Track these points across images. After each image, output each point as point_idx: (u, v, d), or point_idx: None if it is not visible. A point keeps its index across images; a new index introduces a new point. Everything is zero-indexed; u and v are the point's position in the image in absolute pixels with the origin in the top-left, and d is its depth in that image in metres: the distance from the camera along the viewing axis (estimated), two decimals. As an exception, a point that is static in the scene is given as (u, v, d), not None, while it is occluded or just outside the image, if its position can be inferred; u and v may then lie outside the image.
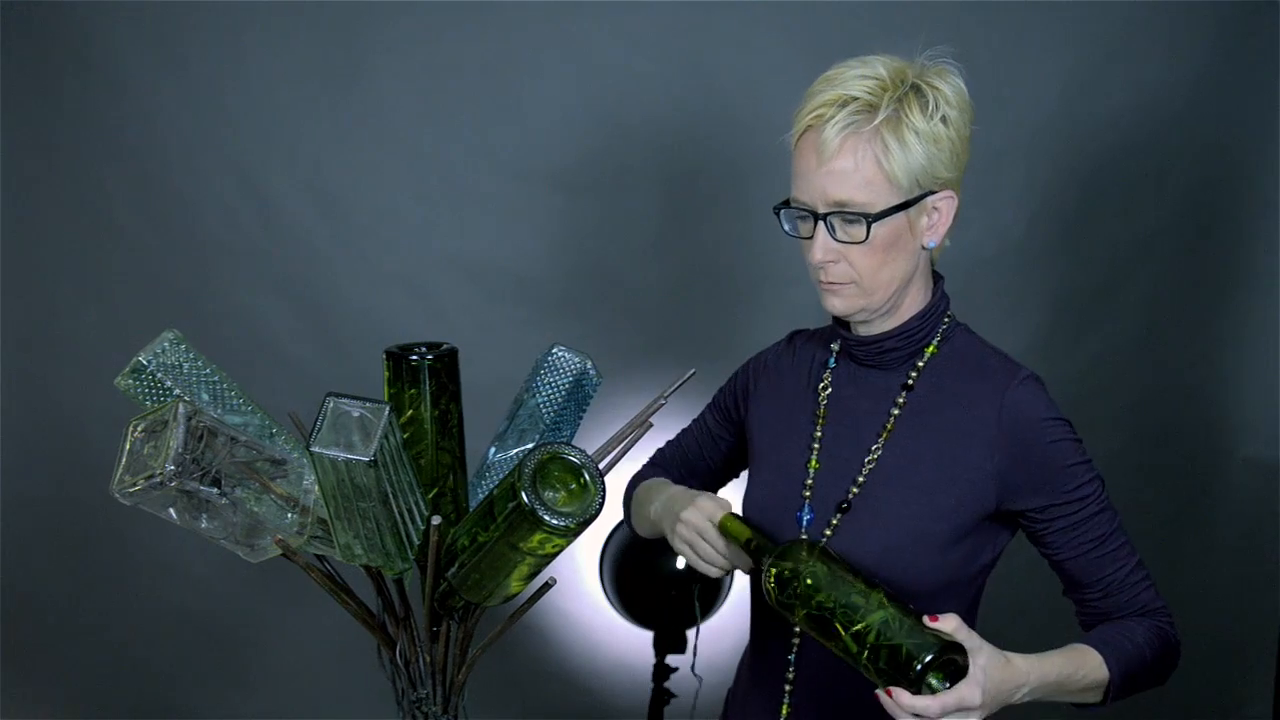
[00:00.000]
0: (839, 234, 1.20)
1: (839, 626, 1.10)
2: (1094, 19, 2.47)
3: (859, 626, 1.09)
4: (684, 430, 1.57)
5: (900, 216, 1.20)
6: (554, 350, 1.32)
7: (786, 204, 1.25)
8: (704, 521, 1.29)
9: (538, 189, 2.56)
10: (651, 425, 1.31)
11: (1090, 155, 2.54)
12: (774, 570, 1.17)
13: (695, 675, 2.15)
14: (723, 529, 1.26)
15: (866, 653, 1.08)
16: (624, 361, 2.44)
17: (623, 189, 2.57)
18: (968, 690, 1.06)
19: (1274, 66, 2.50)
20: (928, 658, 1.05)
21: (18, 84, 2.52)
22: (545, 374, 1.31)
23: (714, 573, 1.32)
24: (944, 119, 1.20)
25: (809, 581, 1.14)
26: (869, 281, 1.22)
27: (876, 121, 1.17)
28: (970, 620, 1.31)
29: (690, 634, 2.30)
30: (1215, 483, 2.66)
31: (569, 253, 2.59)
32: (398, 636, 1.23)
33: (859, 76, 1.20)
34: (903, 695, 1.05)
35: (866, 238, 1.19)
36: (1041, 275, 2.58)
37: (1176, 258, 2.60)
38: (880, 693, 1.07)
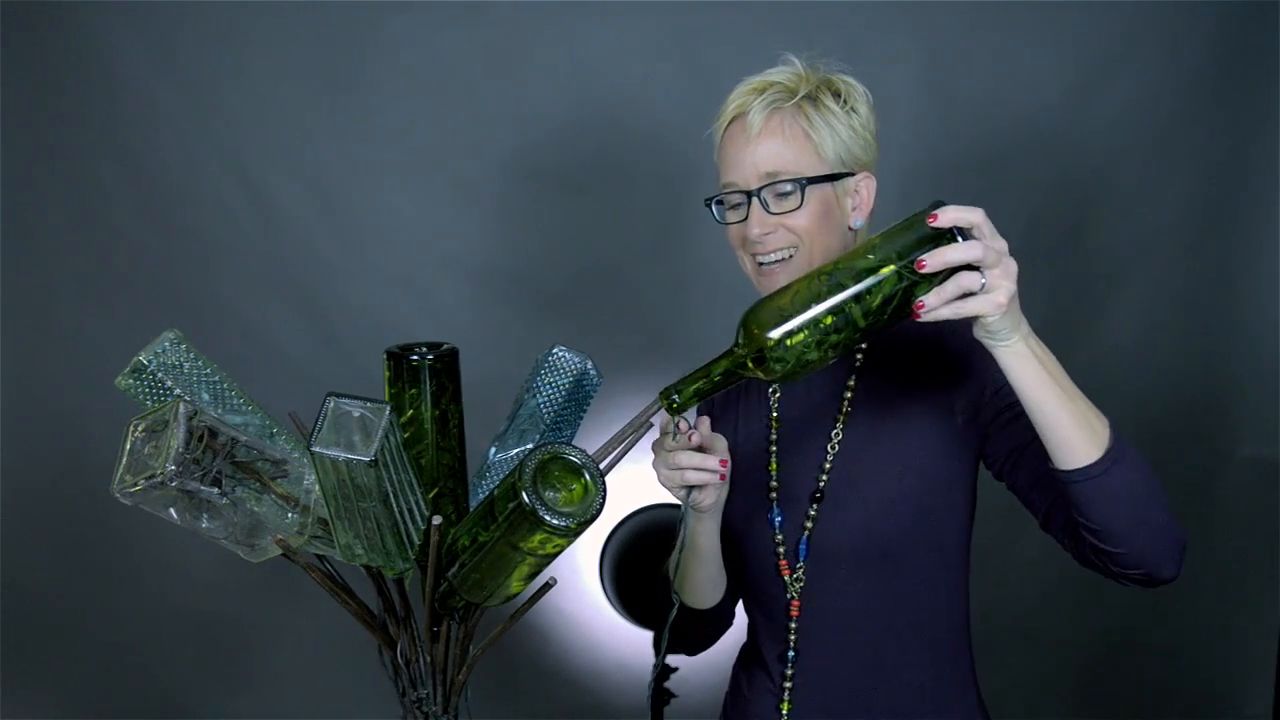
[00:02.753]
0: (773, 207, 1.26)
1: (862, 292, 1.02)
2: (1094, 19, 2.48)
3: (877, 270, 1.01)
4: None
5: (828, 189, 1.27)
6: (554, 350, 1.32)
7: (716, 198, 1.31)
8: (658, 442, 1.23)
9: (538, 189, 2.56)
10: (652, 425, 1.31)
11: (1090, 155, 2.54)
12: (754, 349, 1.06)
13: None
14: (680, 407, 1.13)
15: (894, 281, 1.01)
16: (624, 361, 2.44)
17: (623, 189, 2.57)
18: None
19: (1274, 66, 2.50)
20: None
21: (18, 84, 2.52)
22: (546, 374, 1.31)
23: (708, 479, 1.21)
24: (853, 110, 1.28)
25: (793, 300, 1.05)
26: (808, 242, 1.27)
27: (797, 99, 1.26)
28: (965, 581, 1.32)
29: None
30: (1215, 483, 2.65)
31: (569, 253, 2.59)
32: (398, 636, 1.23)
33: (776, 70, 1.30)
34: (950, 209, 0.99)
35: (802, 202, 1.25)
36: (1041, 275, 2.58)
37: (1176, 258, 2.59)
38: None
